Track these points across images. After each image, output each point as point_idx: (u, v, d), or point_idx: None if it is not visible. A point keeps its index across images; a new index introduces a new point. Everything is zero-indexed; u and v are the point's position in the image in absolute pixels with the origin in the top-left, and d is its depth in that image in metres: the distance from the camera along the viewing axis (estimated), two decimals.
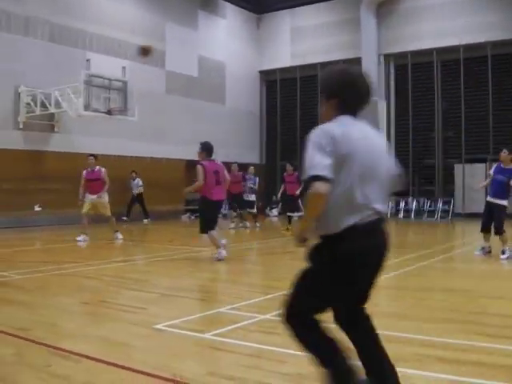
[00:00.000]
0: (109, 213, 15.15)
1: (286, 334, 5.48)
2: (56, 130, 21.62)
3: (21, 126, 20.57)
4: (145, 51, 13.00)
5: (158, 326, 5.81)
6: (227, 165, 14.62)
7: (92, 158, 15.28)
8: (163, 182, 22.94)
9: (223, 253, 11.12)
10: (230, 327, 5.81)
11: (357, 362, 3.59)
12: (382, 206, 3.46)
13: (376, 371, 3.63)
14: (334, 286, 3.45)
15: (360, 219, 3.33)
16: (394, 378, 3.59)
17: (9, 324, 5.95)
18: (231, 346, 5.19)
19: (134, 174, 22.52)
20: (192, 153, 25.81)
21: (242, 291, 8.08)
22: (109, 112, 20.27)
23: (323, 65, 28.91)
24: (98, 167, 15.19)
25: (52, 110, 20.41)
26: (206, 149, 11.85)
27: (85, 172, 15.21)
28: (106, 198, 15.15)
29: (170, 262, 11.49)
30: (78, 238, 14.66)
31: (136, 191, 22.52)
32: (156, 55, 25.12)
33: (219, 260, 10.98)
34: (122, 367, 4.55)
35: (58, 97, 20.03)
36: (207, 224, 11.24)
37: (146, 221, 22.23)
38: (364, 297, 3.73)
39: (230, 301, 7.21)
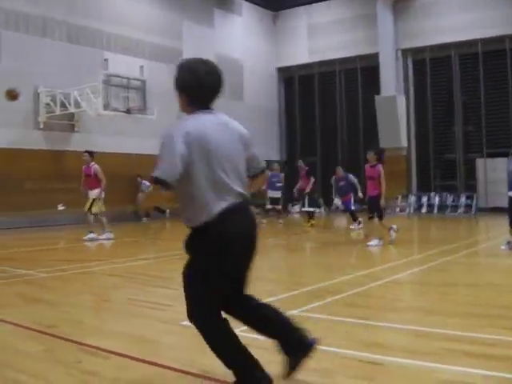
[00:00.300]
0: (90, 209, 15.02)
1: (314, 329, 5.50)
2: (76, 129, 21.74)
3: (41, 126, 20.70)
4: (11, 96, 13.25)
5: (186, 323, 5.76)
6: None
7: (86, 154, 15.37)
8: None
9: None
10: None
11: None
12: (243, 189, 3.68)
13: (282, 338, 3.99)
14: (214, 273, 3.61)
15: (225, 205, 3.53)
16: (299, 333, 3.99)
17: (37, 321, 5.98)
18: (258, 342, 5.13)
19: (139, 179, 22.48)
20: None
21: (267, 287, 8.04)
22: (128, 111, 20.34)
23: (341, 61, 28.94)
24: (92, 163, 15.21)
25: (71, 109, 20.51)
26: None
27: (83, 168, 15.37)
28: (94, 194, 15.05)
29: None
30: (87, 237, 14.77)
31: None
32: (173, 54, 25.19)
33: None
34: (151, 363, 4.55)
35: (77, 97, 20.11)
36: None
37: (145, 219, 22.42)
38: (243, 281, 3.97)
39: (258, 297, 7.16)
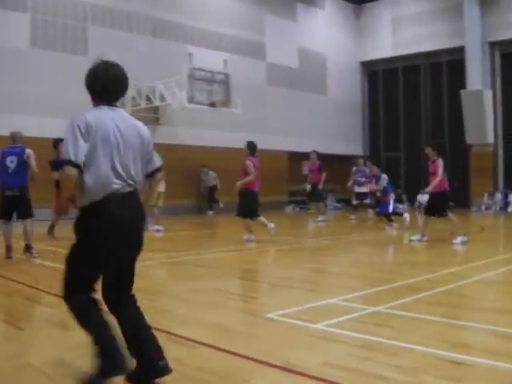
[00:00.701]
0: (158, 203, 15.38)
1: (400, 327, 5.42)
2: (160, 122, 22.07)
3: None
4: None
5: (270, 315, 5.79)
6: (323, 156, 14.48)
7: None
8: (265, 174, 22.98)
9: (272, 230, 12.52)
10: (341, 318, 5.72)
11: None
12: (135, 181, 3.91)
13: (139, 357, 3.92)
14: (86, 252, 3.77)
15: (112, 191, 3.73)
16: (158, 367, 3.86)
17: None
18: (344, 337, 5.11)
19: (205, 169, 22.63)
20: (294, 144, 26.12)
21: (351, 282, 7.99)
22: (212, 104, 20.48)
23: (426, 54, 28.37)
24: None
25: (156, 103, 20.83)
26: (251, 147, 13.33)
27: None
28: (162, 188, 15.54)
29: (277, 253, 11.54)
30: (153, 228, 15.04)
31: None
32: (256, 47, 25.30)
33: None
34: (235, 354, 4.55)
35: (162, 90, 20.39)
36: (254, 211, 12.56)
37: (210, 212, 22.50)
38: (124, 277, 4.01)
39: (341, 292, 7.13)
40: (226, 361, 4.43)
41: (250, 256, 10.95)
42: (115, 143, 3.84)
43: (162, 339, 4.94)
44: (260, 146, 23.84)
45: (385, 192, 16.92)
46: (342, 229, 16.87)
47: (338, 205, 26.52)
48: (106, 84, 4.09)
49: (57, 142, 12.96)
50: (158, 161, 4.37)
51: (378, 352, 4.67)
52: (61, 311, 6.05)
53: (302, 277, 8.61)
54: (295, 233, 15.89)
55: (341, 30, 30.41)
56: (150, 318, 5.57)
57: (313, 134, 27.30)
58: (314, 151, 19.34)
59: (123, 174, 3.81)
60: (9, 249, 9.87)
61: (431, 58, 28.73)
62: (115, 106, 4.11)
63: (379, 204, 16.97)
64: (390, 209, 16.78)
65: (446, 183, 12.58)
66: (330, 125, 28.25)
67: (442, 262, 9.93)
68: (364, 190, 20.10)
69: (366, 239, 14.61)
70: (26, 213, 10.15)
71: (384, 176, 17.29)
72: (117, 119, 3.98)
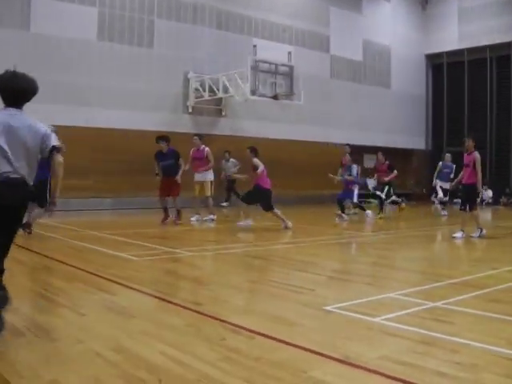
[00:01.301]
0: (208, 193, 15.81)
1: (459, 323, 5.37)
2: (223, 114, 22.25)
3: (190, 110, 21.40)
4: None
5: (328, 308, 5.81)
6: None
7: (196, 137, 16.12)
8: (326, 167, 22.96)
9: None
10: (400, 313, 5.70)
11: None
12: (24, 171, 4.69)
13: None
14: None
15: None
16: None
17: (183, 298, 6.22)
18: (402, 331, 5.09)
19: (227, 155, 22.11)
20: (357, 137, 25.97)
21: (409, 277, 7.94)
22: (275, 97, 20.53)
23: (493, 47, 27.75)
24: (202, 146, 15.91)
25: (220, 94, 21.03)
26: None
27: (191, 151, 16.12)
28: (208, 177, 15.92)
29: (335, 246, 11.53)
30: (192, 219, 15.47)
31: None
32: (321, 40, 25.22)
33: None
34: (294, 346, 4.57)
35: (226, 82, 20.54)
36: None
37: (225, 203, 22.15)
38: None
39: (399, 286, 7.10)
40: (285, 352, 4.45)
41: (305, 249, 10.94)
42: (10, 135, 4.60)
43: (219, 328, 5.05)
44: (322, 138, 24.05)
45: (354, 181, 17.69)
46: (399, 223, 16.72)
47: (399, 199, 26.21)
48: (9, 91, 4.76)
49: None
50: (53, 140, 4.84)
51: (437, 347, 4.64)
52: (122, 298, 6.24)
53: (359, 270, 8.60)
54: (353, 227, 15.81)
55: (406, 22, 30.07)
56: (208, 308, 5.72)
57: (376, 127, 27.10)
58: (381, 153, 18.98)
59: (13, 162, 4.59)
60: None
61: (499, 51, 28.11)
62: (18, 108, 4.80)
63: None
64: (355, 198, 17.69)
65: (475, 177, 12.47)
66: (394, 118, 28.00)
67: (502, 259, 9.77)
68: (446, 186, 19.58)
69: (423, 234, 14.47)
70: None
71: (355, 166, 18.14)
72: (16, 118, 4.71)
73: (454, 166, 19.19)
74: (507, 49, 27.65)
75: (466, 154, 12.72)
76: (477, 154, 12.55)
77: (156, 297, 6.30)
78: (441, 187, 19.51)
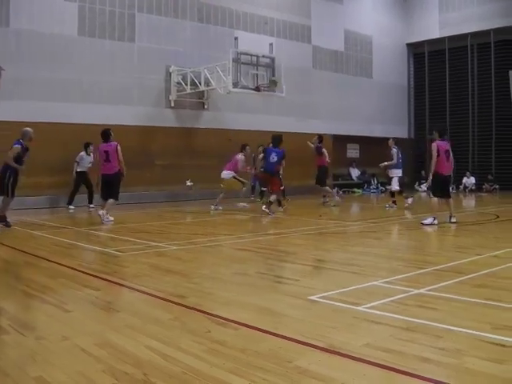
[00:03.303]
0: (238, 187, 17.41)
1: (443, 309, 5.41)
2: (206, 107, 22.22)
3: (172, 104, 21.36)
4: None
5: (313, 298, 5.83)
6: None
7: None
8: (309, 157, 23.01)
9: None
10: (384, 300, 5.74)
11: None
12: None
13: None
14: None
15: None
16: None
17: (168, 291, 6.20)
18: (387, 319, 5.12)
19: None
20: (339, 127, 26.03)
21: (394, 265, 7.97)
22: (257, 88, 20.50)
23: (473, 35, 27.88)
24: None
25: (202, 88, 20.99)
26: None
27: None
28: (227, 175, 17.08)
29: (321, 236, 11.56)
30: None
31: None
32: (302, 31, 25.22)
33: None
34: (279, 336, 4.59)
35: (208, 75, 20.52)
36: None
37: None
38: None
39: (384, 274, 7.13)
40: (270, 342, 4.47)
41: (291, 239, 10.95)
42: None
43: (204, 320, 5.06)
44: (305, 129, 24.01)
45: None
46: (385, 212, 16.77)
47: (382, 188, 26.39)
48: None
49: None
50: None
51: (421, 334, 4.67)
52: (107, 294, 6.23)
53: (345, 259, 8.62)
54: (339, 216, 15.88)
55: (387, 12, 30.12)
56: (193, 301, 5.72)
57: (358, 117, 27.18)
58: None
59: None
60: None
61: (479, 39, 28.24)
62: None
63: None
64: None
65: (444, 167, 12.89)
66: (376, 108, 28.06)
67: (487, 245, 9.85)
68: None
69: (408, 222, 14.54)
70: None
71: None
72: None
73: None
74: (487, 36, 27.77)
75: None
76: (433, 145, 12.95)
77: (141, 291, 6.29)
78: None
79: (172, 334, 4.70)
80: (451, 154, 13.16)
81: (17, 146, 12.34)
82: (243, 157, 17.50)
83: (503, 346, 4.34)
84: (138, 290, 6.35)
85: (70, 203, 17.81)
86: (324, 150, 19.27)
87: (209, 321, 5.07)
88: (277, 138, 16.13)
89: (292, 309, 5.52)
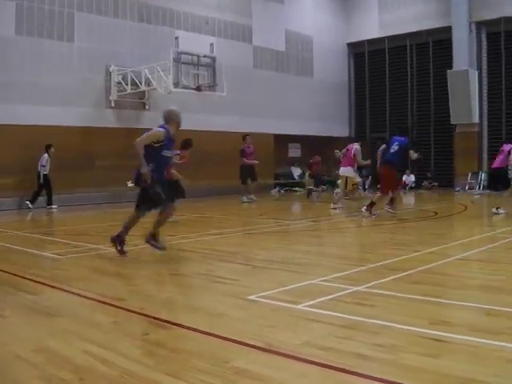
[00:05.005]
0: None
1: (380, 306, 5.50)
2: (147, 107, 22.07)
3: (113, 105, 21.15)
4: None
5: (252, 297, 5.86)
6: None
7: None
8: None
9: None
10: (323, 298, 5.80)
11: None
12: None
13: None
14: None
15: None
16: None
17: (107, 294, 6.14)
18: (325, 317, 5.18)
19: None
20: (281, 127, 26.13)
21: (334, 263, 8.06)
22: (198, 88, 20.49)
23: (412, 35, 28.37)
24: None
25: (142, 88, 20.86)
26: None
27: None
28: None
29: (262, 235, 11.59)
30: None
31: None
32: (243, 31, 25.26)
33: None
34: (217, 336, 4.60)
35: (148, 75, 20.40)
36: None
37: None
38: None
39: (323, 273, 7.20)
40: (208, 343, 4.48)
41: (232, 239, 10.98)
42: None
43: (143, 323, 5.04)
44: (246, 129, 24.04)
45: None
46: (325, 211, 16.92)
47: (324, 186, 26.63)
48: None
49: None
50: None
51: (359, 331, 4.74)
52: (45, 298, 6.15)
53: (285, 258, 8.66)
54: (280, 215, 15.96)
55: (328, 11, 30.33)
56: (132, 304, 5.69)
57: (299, 116, 27.32)
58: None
59: None
60: None
61: (418, 39, 28.70)
62: None
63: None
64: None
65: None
66: (317, 107, 28.26)
67: (425, 242, 10.03)
68: None
69: (350, 220, 14.71)
70: None
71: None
72: None
73: None
74: (426, 36, 28.28)
75: None
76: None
77: (80, 295, 6.21)
78: None
79: (111, 337, 4.67)
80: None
81: None
82: (359, 147, 16.84)
83: (439, 341, 4.42)
84: (77, 294, 6.26)
85: (51, 203, 18.30)
86: (245, 149, 19.54)
87: (148, 323, 5.06)
88: (405, 129, 15.38)
89: (231, 309, 5.53)
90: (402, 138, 14.21)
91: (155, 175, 8.78)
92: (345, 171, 16.89)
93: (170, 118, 9.70)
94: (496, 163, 14.50)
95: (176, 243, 10.24)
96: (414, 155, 14.46)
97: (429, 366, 3.91)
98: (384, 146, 14.93)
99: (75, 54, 20.18)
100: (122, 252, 8.68)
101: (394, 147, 13.91)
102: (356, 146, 16.65)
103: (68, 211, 17.11)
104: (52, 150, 18.16)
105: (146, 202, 8.80)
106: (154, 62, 20.03)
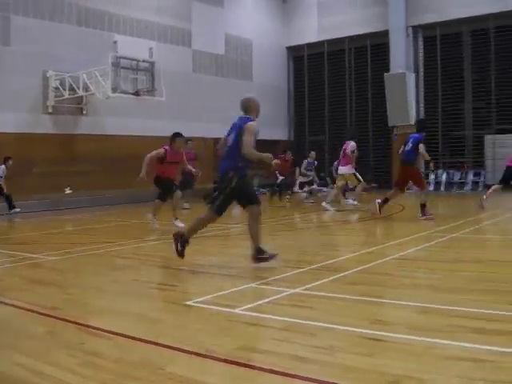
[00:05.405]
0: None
1: (318, 307, 5.54)
2: (84, 112, 21.81)
3: (50, 110, 20.83)
4: None
5: (189, 303, 5.83)
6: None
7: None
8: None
9: None
10: (260, 302, 5.82)
11: None
12: None
13: None
14: None
15: None
16: None
17: (41, 304, 6.02)
18: (263, 320, 5.20)
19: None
20: (221, 131, 26.09)
21: (272, 266, 8.05)
22: (136, 93, 20.37)
23: (351, 39, 28.74)
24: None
25: (80, 93, 20.61)
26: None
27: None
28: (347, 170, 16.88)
29: (203, 240, 11.51)
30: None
31: None
32: (183, 35, 25.18)
33: None
34: (154, 343, 4.57)
35: (86, 80, 20.18)
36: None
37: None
38: None
39: (261, 276, 7.21)
40: (144, 350, 4.45)
41: (172, 245, 10.86)
42: None
43: (80, 332, 4.96)
44: (186, 133, 23.78)
45: None
46: (270, 213, 16.97)
47: (264, 190, 26.75)
48: None
49: None
50: None
51: (296, 333, 4.77)
52: None
53: (223, 263, 8.67)
54: (222, 219, 15.87)
55: (267, 15, 30.50)
56: (67, 313, 5.60)
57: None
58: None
59: None
60: None
61: (356, 42, 29.19)
62: None
63: None
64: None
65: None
66: None
67: (363, 242, 10.17)
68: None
69: (292, 222, 14.79)
70: None
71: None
72: None
73: None
74: (364, 40, 28.73)
75: None
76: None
77: (13, 305, 6.07)
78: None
79: (46, 348, 4.58)
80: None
81: None
82: (355, 143, 16.94)
83: (377, 340, 4.50)
84: (10, 305, 6.12)
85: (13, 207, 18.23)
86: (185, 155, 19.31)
87: (83, 332, 4.98)
88: (420, 122, 14.99)
89: (168, 315, 5.51)
90: (416, 135, 14.06)
91: (246, 172, 8.14)
92: (343, 170, 16.93)
93: (253, 107, 8.67)
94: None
95: (113, 250, 10.09)
96: (425, 154, 14.25)
97: (367, 365, 3.96)
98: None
99: (11, 58, 19.78)
100: (180, 253, 8.12)
101: (409, 144, 13.81)
102: (352, 143, 16.80)
103: (5, 220, 16.78)
104: (10, 162, 17.97)
105: (244, 198, 8.08)
106: (92, 67, 19.81)
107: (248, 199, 8.06)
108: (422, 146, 13.74)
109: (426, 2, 26.41)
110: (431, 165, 15.49)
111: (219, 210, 8.16)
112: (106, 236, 12.66)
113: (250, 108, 8.49)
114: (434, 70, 27.13)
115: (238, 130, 8.03)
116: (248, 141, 7.79)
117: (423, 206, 13.60)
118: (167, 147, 12.70)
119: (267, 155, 7.99)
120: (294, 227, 13.66)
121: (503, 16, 24.67)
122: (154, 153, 12.49)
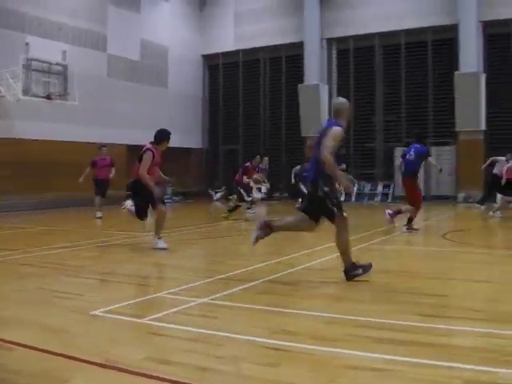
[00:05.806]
0: None
1: (225, 317, 5.57)
2: None
3: None
4: None
5: (95, 312, 5.76)
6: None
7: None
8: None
9: None
10: (168, 311, 5.81)
11: None
12: None
13: None
14: None
15: None
16: None
17: None
18: (169, 330, 5.19)
19: None
20: (134, 137, 25.89)
21: (181, 275, 8.06)
22: (48, 96, 19.99)
23: (266, 49, 29.05)
24: None
25: None
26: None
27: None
28: None
29: (111, 248, 11.41)
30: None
31: None
32: (97, 39, 24.85)
33: None
34: (57, 354, 4.49)
35: None
36: None
37: None
38: None
39: (169, 285, 7.21)
40: (48, 362, 4.36)
41: (80, 252, 10.64)
42: None
43: None
44: (98, 139, 23.62)
45: None
46: (183, 222, 16.95)
47: (177, 198, 26.77)
48: None
49: None
50: None
51: (202, 343, 4.80)
52: None
53: (133, 271, 8.60)
54: (132, 227, 15.73)
55: (184, 23, 30.45)
56: None
57: (153, 126, 26.77)
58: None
59: None
60: None
61: (271, 53, 29.55)
62: None
63: None
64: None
65: None
66: (171, 118, 28.10)
67: (273, 252, 10.23)
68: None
69: (204, 232, 14.78)
70: None
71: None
72: None
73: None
74: (279, 51, 29.08)
75: None
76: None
77: None
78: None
79: None
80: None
81: None
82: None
83: (278, 349, 4.56)
84: None
85: None
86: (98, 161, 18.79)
87: None
88: (418, 133, 14.80)
89: (72, 325, 5.41)
90: (418, 146, 13.76)
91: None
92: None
93: (344, 113, 7.88)
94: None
95: (18, 258, 9.81)
96: (435, 165, 14.98)
97: (270, 375, 4.01)
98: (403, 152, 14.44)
99: None
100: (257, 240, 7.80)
101: (411, 154, 13.52)
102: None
103: None
104: None
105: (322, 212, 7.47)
106: (2, 68, 19.34)
107: (330, 212, 7.47)
108: (431, 159, 14.59)
109: (340, 15, 27.04)
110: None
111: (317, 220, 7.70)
112: (12, 243, 12.24)
113: (340, 112, 7.80)
114: (346, 82, 27.74)
115: (322, 132, 7.57)
116: (327, 145, 7.26)
117: (410, 220, 13.55)
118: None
119: (343, 175, 7.58)
120: (209, 236, 13.64)
121: (414, 32, 25.58)
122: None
